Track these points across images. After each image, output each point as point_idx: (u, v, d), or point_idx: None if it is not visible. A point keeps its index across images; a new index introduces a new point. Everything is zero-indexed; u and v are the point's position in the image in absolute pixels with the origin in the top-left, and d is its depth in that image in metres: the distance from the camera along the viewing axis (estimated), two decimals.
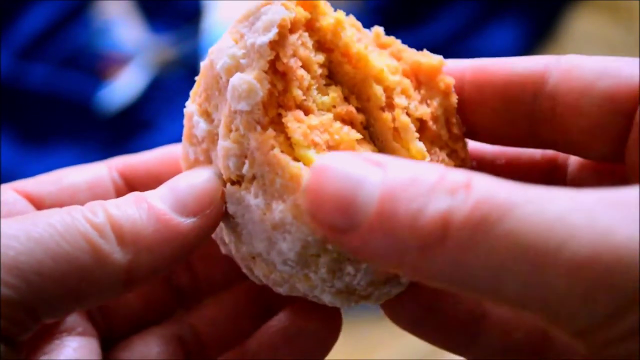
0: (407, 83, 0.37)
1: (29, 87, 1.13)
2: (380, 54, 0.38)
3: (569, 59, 0.33)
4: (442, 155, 0.37)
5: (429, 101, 0.37)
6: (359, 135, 0.35)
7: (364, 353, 1.04)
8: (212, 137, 0.35)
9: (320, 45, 0.36)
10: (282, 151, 0.33)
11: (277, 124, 0.33)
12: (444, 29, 1.16)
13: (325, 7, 0.36)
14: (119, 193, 0.38)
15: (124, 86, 1.13)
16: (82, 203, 0.32)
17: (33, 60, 1.16)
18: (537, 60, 0.35)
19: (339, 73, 0.36)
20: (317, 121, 0.34)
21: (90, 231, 0.30)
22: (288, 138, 0.33)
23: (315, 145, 0.33)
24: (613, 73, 0.32)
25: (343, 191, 0.26)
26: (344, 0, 1.15)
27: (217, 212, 0.34)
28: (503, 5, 1.18)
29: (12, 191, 0.37)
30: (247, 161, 0.33)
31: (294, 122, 0.33)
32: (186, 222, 0.32)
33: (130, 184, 0.39)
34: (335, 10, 0.37)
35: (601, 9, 1.17)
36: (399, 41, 0.39)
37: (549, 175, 0.38)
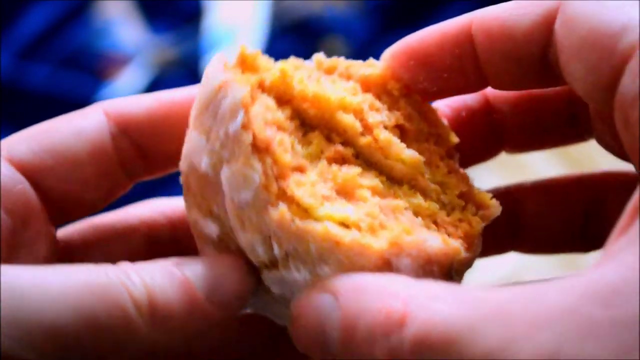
0: (370, 98, 0.37)
1: (29, 87, 1.14)
2: (333, 80, 0.38)
3: (572, 6, 0.32)
4: (431, 145, 0.38)
5: (396, 104, 0.38)
6: (357, 169, 0.35)
7: None
8: (226, 231, 0.35)
9: (279, 99, 0.36)
10: (301, 218, 0.33)
11: (283, 196, 0.33)
12: None
13: (265, 61, 0.36)
14: (121, 151, 0.37)
15: (124, 86, 1.13)
16: (85, 178, 0.33)
17: (33, 60, 1.16)
18: (542, 6, 0.34)
19: (309, 117, 0.36)
20: (315, 175, 0.35)
21: (128, 303, 0.29)
22: (299, 204, 0.33)
23: (325, 198, 0.34)
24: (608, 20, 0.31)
25: (313, 328, 0.30)
26: (344, 0, 1.15)
27: (246, 301, 0.34)
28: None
29: (7, 164, 0.35)
30: (274, 242, 0.34)
31: (297, 187, 0.34)
32: (219, 312, 0.32)
33: (130, 136, 0.38)
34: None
35: None
36: (341, 59, 0.39)
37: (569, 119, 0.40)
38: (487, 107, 0.41)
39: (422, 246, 0.33)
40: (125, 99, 0.38)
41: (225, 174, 0.33)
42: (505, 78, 0.36)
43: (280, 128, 0.35)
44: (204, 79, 0.35)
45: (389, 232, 0.33)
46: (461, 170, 0.39)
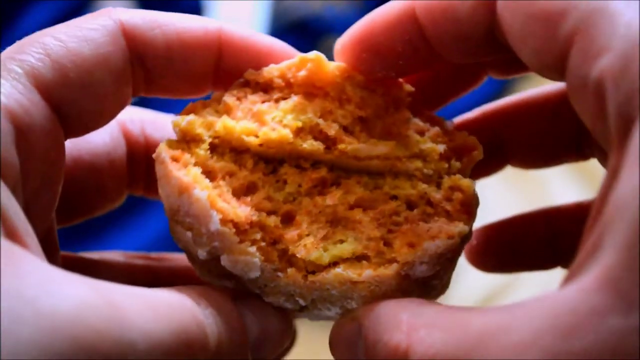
0: (318, 105, 0.37)
1: None
2: (285, 105, 0.37)
3: None
4: (394, 114, 0.37)
5: (344, 95, 0.37)
6: (339, 193, 0.36)
7: None
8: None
9: (237, 151, 0.36)
10: (312, 272, 0.34)
11: (288, 258, 0.35)
12: None
13: (206, 120, 0.36)
14: (134, 72, 0.37)
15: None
16: (102, 94, 0.34)
17: None
18: None
19: (271, 155, 0.36)
20: (305, 219, 0.35)
21: (204, 343, 0.30)
22: (305, 261, 0.34)
23: (324, 239, 0.35)
24: None
25: (347, 351, 0.34)
26: (344, 0, 1.15)
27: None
28: None
29: (35, 91, 0.33)
30: (297, 298, 0.35)
31: (296, 246, 0.34)
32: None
33: (143, 60, 0.37)
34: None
35: None
36: (273, 68, 0.37)
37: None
38: (491, 124, 0.41)
39: (430, 251, 0.34)
40: (144, 18, 0.37)
41: (225, 261, 0.34)
42: (457, 54, 0.36)
43: (250, 189, 0.35)
44: (157, 167, 0.35)
45: (396, 251, 0.34)
46: (428, 114, 0.38)
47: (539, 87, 0.38)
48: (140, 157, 0.41)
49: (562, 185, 1.10)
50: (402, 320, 0.30)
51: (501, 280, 1.06)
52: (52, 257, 0.36)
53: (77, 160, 0.40)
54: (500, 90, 1.15)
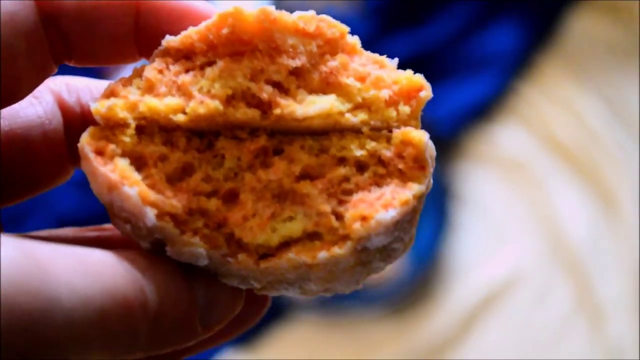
0: (260, 62, 0.34)
1: None
2: (210, 72, 0.34)
3: None
4: (328, 60, 0.35)
5: (289, 46, 0.35)
6: (283, 164, 0.33)
7: (364, 353, 1.04)
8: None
9: (167, 128, 0.34)
10: (264, 254, 0.32)
11: (235, 243, 0.33)
12: (444, 29, 1.16)
13: (130, 100, 0.33)
14: (49, 38, 0.35)
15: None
16: (18, 64, 0.32)
17: None
18: None
19: (204, 128, 0.34)
20: (250, 198, 0.33)
21: (141, 308, 0.29)
22: (254, 245, 0.33)
23: (272, 217, 0.33)
24: None
25: None
26: (344, 0, 1.15)
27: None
28: (503, 5, 1.18)
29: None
30: (252, 281, 0.33)
31: (242, 230, 0.32)
32: (202, 333, 0.33)
33: (57, 25, 0.35)
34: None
35: (601, 9, 1.17)
36: (192, 31, 0.34)
37: None
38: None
39: (385, 222, 0.32)
40: None
41: (170, 252, 0.32)
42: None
43: (186, 170, 0.33)
44: (82, 162, 0.33)
45: (348, 226, 0.32)
46: (367, 55, 0.36)
47: None
48: (77, 128, 0.38)
49: (562, 185, 1.10)
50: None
51: (501, 280, 1.06)
52: None
53: (9, 135, 0.37)
54: (500, 90, 1.15)
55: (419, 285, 1.04)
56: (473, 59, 1.16)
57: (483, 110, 1.14)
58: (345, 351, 1.04)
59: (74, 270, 0.27)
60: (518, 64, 1.16)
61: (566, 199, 1.09)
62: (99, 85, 0.40)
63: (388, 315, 1.04)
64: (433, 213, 1.05)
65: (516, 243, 1.08)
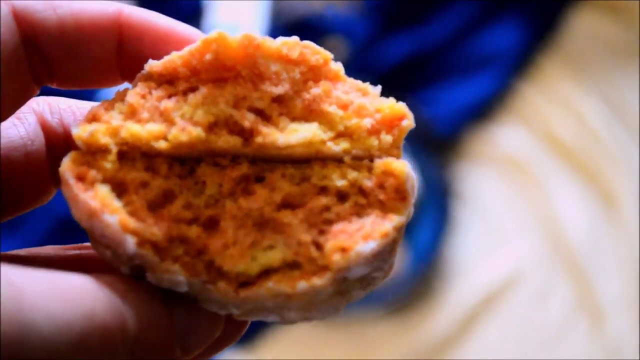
0: (242, 89, 0.34)
1: None
2: (193, 98, 0.34)
3: None
4: (311, 87, 0.35)
5: (272, 73, 0.34)
6: (265, 193, 0.33)
7: (364, 353, 1.04)
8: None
9: (149, 153, 0.33)
10: (244, 282, 0.32)
11: (215, 270, 0.32)
12: (444, 28, 1.16)
13: (110, 127, 0.33)
14: (30, 58, 0.35)
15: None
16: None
17: None
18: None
19: (184, 154, 0.34)
20: (230, 225, 0.32)
21: (120, 332, 0.29)
22: (233, 273, 0.32)
23: (253, 245, 0.32)
24: None
25: None
26: (344, 0, 1.15)
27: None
28: (503, 5, 1.18)
29: None
30: (231, 308, 0.33)
31: (222, 257, 0.32)
32: (181, 357, 0.33)
33: (38, 46, 0.35)
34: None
35: (601, 9, 1.17)
36: (175, 56, 0.34)
37: None
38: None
39: (364, 254, 0.32)
40: (36, 3, 0.35)
41: (151, 278, 0.32)
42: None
43: (167, 197, 0.33)
44: (62, 188, 0.33)
45: (327, 257, 0.32)
46: (351, 83, 0.35)
47: None
48: (60, 149, 0.38)
49: (562, 184, 1.10)
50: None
51: (501, 280, 1.05)
52: None
53: None
54: (501, 89, 1.15)
55: (418, 284, 1.04)
56: (473, 58, 1.16)
57: (483, 109, 1.14)
58: (345, 351, 1.04)
59: (52, 296, 0.27)
60: (518, 63, 1.16)
61: (566, 198, 1.09)
62: (82, 106, 0.40)
63: (388, 315, 1.04)
64: (433, 213, 1.05)
65: (516, 243, 1.08)
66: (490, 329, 1.03)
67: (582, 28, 1.17)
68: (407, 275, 1.03)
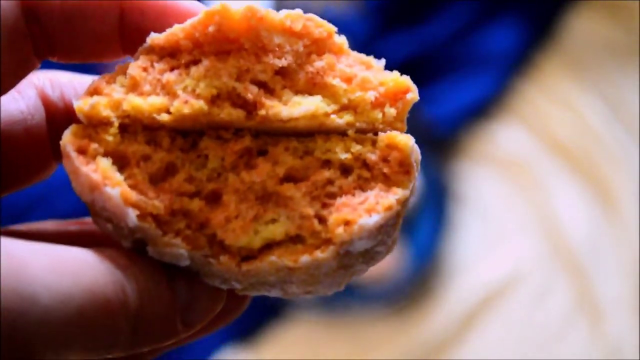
0: (246, 61, 0.33)
1: None
2: (196, 70, 0.33)
3: None
4: (315, 60, 0.34)
5: (276, 45, 0.34)
6: (267, 166, 0.33)
7: (364, 353, 1.04)
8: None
9: (150, 127, 0.33)
10: (246, 256, 0.32)
11: (217, 244, 0.32)
12: (444, 29, 1.16)
13: (113, 98, 0.33)
14: (32, 33, 0.35)
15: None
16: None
17: None
18: None
19: (188, 127, 0.33)
20: (234, 204, 0.32)
21: (122, 307, 0.29)
22: (235, 247, 0.32)
23: (255, 219, 0.32)
24: None
25: None
26: (344, 0, 1.15)
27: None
28: (503, 5, 1.18)
29: None
30: (233, 282, 0.33)
31: (224, 231, 0.32)
32: (183, 331, 0.33)
33: (40, 20, 0.34)
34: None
35: (601, 9, 1.17)
36: (177, 28, 0.34)
37: None
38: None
39: (368, 227, 0.32)
40: None
41: (152, 252, 0.31)
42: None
43: (169, 170, 0.32)
44: (64, 161, 0.32)
45: (331, 230, 0.32)
46: (354, 56, 0.35)
47: None
48: (61, 124, 0.37)
49: (562, 184, 1.10)
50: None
51: (501, 280, 1.05)
52: None
53: None
54: (500, 89, 1.15)
55: (418, 284, 1.04)
56: (473, 58, 1.16)
57: (483, 109, 1.14)
58: (345, 350, 1.04)
59: (52, 268, 0.27)
60: (518, 63, 1.16)
61: (566, 198, 1.09)
62: (82, 80, 0.40)
63: (388, 315, 1.04)
64: (433, 212, 1.05)
65: (516, 243, 1.08)
66: (490, 329, 1.03)
67: (581, 28, 1.17)
68: (407, 275, 1.03)
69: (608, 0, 1.17)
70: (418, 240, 1.04)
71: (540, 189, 1.10)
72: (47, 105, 0.39)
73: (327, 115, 0.33)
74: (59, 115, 0.39)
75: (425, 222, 1.04)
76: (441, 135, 1.09)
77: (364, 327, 1.05)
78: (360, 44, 1.11)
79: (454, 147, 1.12)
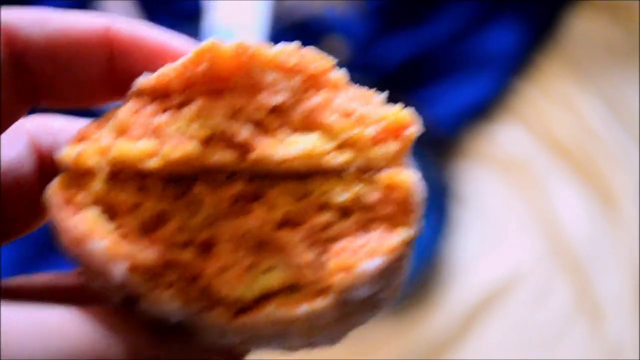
0: (239, 100, 0.32)
1: None
2: (188, 111, 0.32)
3: None
4: (311, 95, 0.33)
5: (269, 81, 0.32)
6: (263, 211, 0.31)
7: (364, 353, 1.04)
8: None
9: (140, 178, 0.31)
10: (242, 308, 0.30)
11: (211, 296, 0.30)
12: (444, 29, 1.16)
13: (97, 150, 0.31)
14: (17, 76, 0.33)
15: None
16: None
17: None
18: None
19: (178, 173, 0.32)
20: (228, 253, 0.30)
21: None
22: (231, 298, 0.30)
23: (252, 267, 0.30)
24: None
25: None
26: (345, 0, 1.15)
27: None
28: (503, 5, 1.18)
29: None
30: (229, 335, 0.31)
31: (219, 282, 0.30)
32: None
33: (25, 63, 0.33)
34: None
35: (601, 9, 1.17)
36: (168, 68, 0.32)
37: None
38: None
39: (369, 272, 0.30)
40: (25, 14, 0.33)
41: (145, 307, 0.30)
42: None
43: (161, 219, 0.30)
44: (49, 215, 0.31)
45: (330, 277, 0.30)
46: (354, 90, 0.33)
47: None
48: (52, 173, 0.35)
49: (562, 184, 1.10)
50: None
51: (501, 280, 1.06)
52: None
53: None
54: (500, 89, 1.15)
55: (418, 284, 1.04)
56: (473, 58, 1.16)
57: (483, 109, 1.14)
58: (345, 351, 1.04)
59: (30, 333, 0.26)
60: (518, 63, 1.16)
61: (566, 198, 1.09)
62: (77, 125, 0.37)
63: (388, 315, 1.04)
64: (433, 213, 1.05)
65: (516, 243, 1.08)
66: (490, 329, 1.03)
67: (581, 28, 1.17)
68: (407, 275, 1.03)
69: (608, 0, 1.17)
70: (418, 240, 1.03)
71: (540, 189, 1.10)
72: (39, 152, 0.37)
73: (324, 154, 0.31)
74: (51, 164, 0.36)
75: (425, 222, 1.04)
76: (441, 135, 1.09)
77: (364, 327, 1.05)
78: (361, 45, 1.11)
79: (454, 147, 1.12)
